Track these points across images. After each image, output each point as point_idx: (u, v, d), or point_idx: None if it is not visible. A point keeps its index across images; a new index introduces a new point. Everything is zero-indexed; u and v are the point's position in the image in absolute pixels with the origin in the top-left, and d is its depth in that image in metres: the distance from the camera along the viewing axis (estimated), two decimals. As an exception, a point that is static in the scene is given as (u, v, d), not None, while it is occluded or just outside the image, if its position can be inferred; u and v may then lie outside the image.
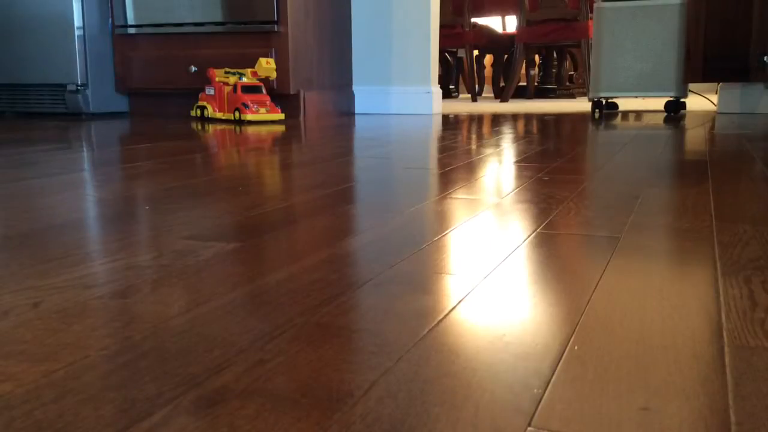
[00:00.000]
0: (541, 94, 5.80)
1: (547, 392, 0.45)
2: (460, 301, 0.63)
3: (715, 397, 0.44)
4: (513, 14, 5.42)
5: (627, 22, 3.24)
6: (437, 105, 3.60)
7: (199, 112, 3.01)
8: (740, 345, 0.52)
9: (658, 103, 3.79)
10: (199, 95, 3.01)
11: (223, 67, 3.01)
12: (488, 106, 4.56)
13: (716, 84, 4.34)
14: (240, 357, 0.50)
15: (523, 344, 0.53)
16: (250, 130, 2.53)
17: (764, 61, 3.06)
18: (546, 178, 1.35)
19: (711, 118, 3.06)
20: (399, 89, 3.54)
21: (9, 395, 0.44)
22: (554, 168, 1.49)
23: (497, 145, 2.02)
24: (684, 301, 0.63)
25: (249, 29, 3.04)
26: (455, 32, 5.17)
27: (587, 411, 0.42)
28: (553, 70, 5.80)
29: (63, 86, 3.14)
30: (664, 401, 0.44)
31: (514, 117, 3.38)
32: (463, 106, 4.59)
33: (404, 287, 0.67)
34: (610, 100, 3.58)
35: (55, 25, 3.09)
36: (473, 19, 5.19)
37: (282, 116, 2.91)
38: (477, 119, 3.23)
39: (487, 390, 0.45)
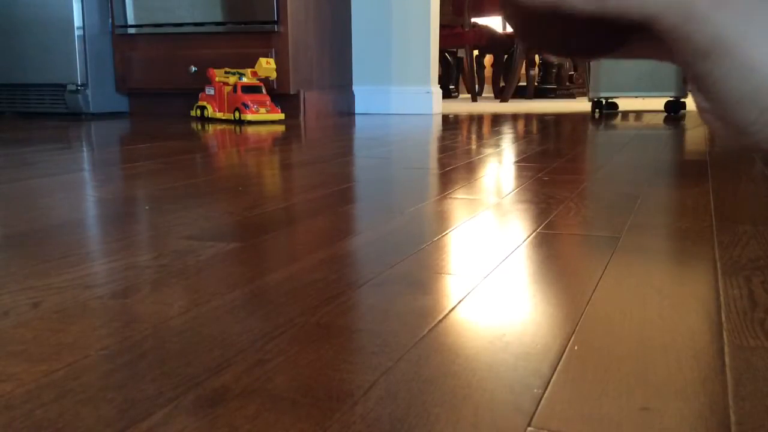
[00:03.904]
0: (541, 94, 5.79)
1: (547, 392, 0.45)
2: (460, 301, 0.63)
3: (715, 397, 0.44)
4: (513, 14, 5.40)
5: (627, 22, 3.23)
6: (437, 105, 3.60)
7: (199, 112, 3.01)
8: (740, 345, 0.52)
9: (658, 103, 3.79)
10: (199, 95, 3.01)
11: (223, 67, 3.01)
12: (488, 106, 4.55)
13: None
14: (240, 357, 0.50)
15: (523, 344, 0.53)
16: (250, 130, 2.53)
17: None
18: (546, 178, 1.35)
19: (711, 118, 3.05)
20: (399, 89, 3.54)
21: (9, 395, 0.44)
22: (554, 168, 1.49)
23: (497, 145, 2.02)
24: (684, 301, 0.63)
25: (249, 29, 3.04)
26: (455, 32, 5.17)
27: (587, 411, 0.42)
28: (553, 70, 5.80)
29: (63, 86, 3.14)
30: (664, 401, 0.44)
31: (514, 117, 3.38)
32: (463, 106, 4.59)
33: (404, 287, 0.67)
34: (610, 100, 3.58)
35: (55, 25, 3.09)
36: (473, 19, 5.19)
37: (282, 116, 2.91)
38: (477, 119, 3.22)
39: (487, 390, 0.45)
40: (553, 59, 5.63)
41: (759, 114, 0.25)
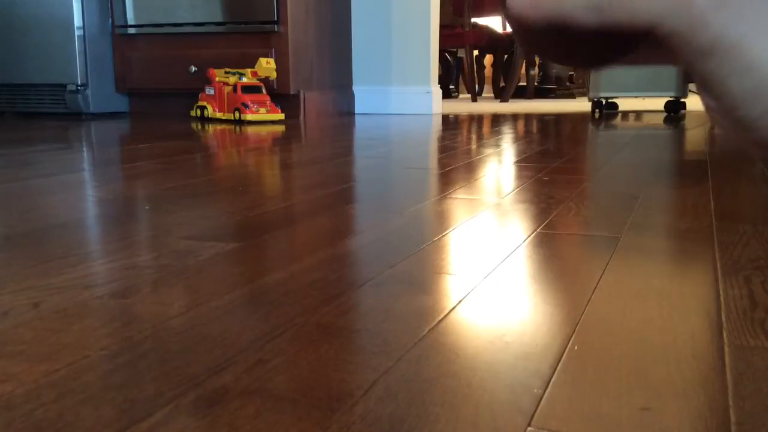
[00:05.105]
0: (541, 94, 5.80)
1: (547, 392, 0.45)
2: (460, 301, 0.63)
3: (715, 397, 0.44)
4: (513, 14, 5.40)
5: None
6: (437, 105, 3.60)
7: (199, 112, 3.01)
8: (740, 345, 0.52)
9: (658, 103, 3.79)
10: (199, 95, 3.01)
11: (223, 67, 3.01)
12: (488, 106, 4.55)
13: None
14: (240, 357, 0.50)
15: (523, 344, 0.53)
16: (250, 130, 2.53)
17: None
18: (546, 178, 1.35)
19: (711, 118, 3.05)
20: (399, 89, 3.54)
21: (9, 395, 0.44)
22: (554, 168, 1.49)
23: (497, 145, 2.02)
24: (684, 301, 0.63)
25: (249, 29, 3.04)
26: (455, 32, 5.17)
27: (587, 411, 0.42)
28: (553, 70, 5.80)
29: (63, 86, 3.14)
30: (664, 401, 0.44)
31: (514, 117, 3.38)
32: (463, 106, 4.59)
33: (404, 287, 0.67)
34: (610, 100, 3.58)
35: (55, 25, 3.09)
36: (473, 19, 5.19)
37: (282, 116, 2.91)
38: (477, 119, 3.22)
39: (487, 390, 0.45)
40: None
41: (763, 111, 0.26)
